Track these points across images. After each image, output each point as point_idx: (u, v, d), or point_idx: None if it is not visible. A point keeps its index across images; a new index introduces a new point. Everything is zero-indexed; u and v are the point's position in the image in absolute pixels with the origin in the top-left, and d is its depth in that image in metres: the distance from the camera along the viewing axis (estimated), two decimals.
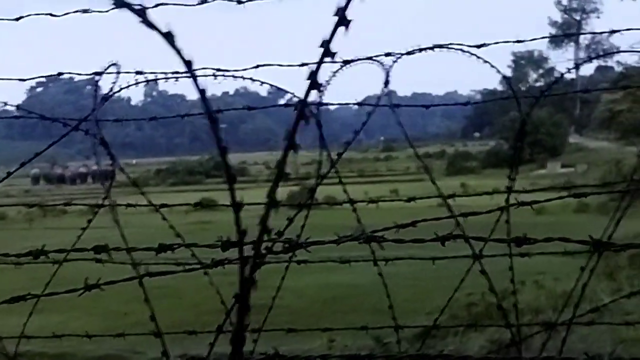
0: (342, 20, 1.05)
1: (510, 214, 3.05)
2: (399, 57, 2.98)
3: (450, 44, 3.00)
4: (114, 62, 2.93)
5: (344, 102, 3.76)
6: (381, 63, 2.96)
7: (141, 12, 0.82)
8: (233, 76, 3.25)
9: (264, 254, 1.63)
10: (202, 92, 0.88)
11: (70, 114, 4.10)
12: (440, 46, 3.01)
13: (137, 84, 3.16)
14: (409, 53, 2.95)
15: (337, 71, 3.03)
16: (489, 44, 3.15)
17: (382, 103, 3.00)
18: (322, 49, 1.07)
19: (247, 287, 0.74)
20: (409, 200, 3.43)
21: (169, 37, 0.83)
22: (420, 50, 2.95)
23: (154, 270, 2.56)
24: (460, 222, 2.81)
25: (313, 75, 1.04)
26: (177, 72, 3.11)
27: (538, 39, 3.66)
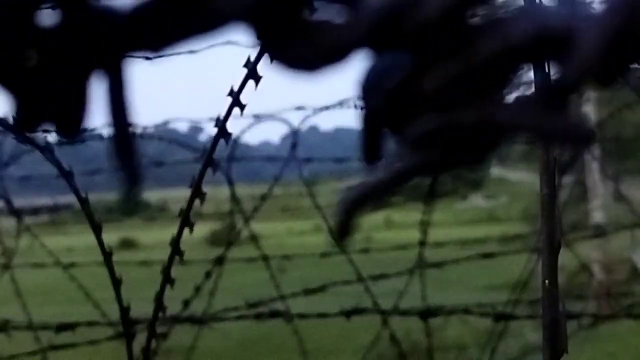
0: (253, 73, 1.00)
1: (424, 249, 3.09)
2: (308, 116, 2.88)
3: None
4: None
5: (257, 155, 3.73)
6: (287, 122, 2.86)
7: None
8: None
9: (160, 333, 1.55)
10: None
11: None
12: None
13: None
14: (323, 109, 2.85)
15: (249, 127, 2.99)
16: None
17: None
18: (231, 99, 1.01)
19: None
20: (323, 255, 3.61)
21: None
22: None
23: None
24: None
25: (221, 124, 0.99)
26: None
27: None
